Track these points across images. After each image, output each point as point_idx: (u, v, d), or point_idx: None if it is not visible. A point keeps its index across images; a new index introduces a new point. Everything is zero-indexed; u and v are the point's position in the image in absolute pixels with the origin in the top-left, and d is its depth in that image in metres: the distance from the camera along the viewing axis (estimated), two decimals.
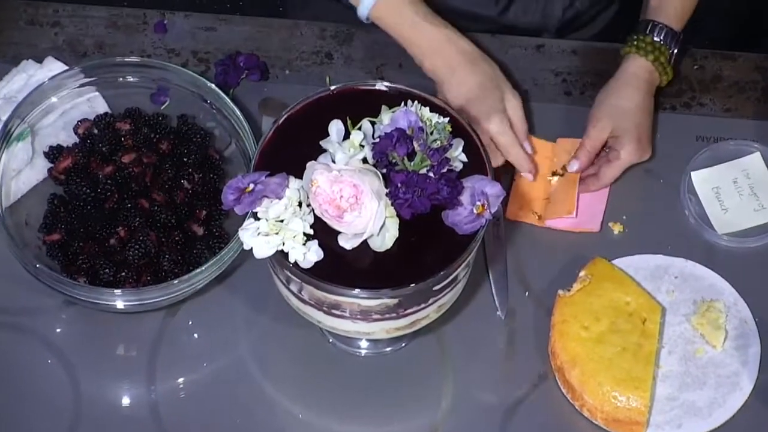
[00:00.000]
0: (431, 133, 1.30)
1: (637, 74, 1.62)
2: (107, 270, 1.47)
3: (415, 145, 1.29)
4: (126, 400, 1.48)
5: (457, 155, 1.34)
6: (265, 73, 1.70)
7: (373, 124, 1.34)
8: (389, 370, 1.50)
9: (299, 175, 1.31)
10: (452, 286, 1.36)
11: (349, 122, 1.34)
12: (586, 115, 1.66)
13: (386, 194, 1.29)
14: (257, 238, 1.29)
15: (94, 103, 1.61)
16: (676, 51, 1.63)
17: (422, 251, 1.31)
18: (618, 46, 1.72)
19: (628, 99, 1.61)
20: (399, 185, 1.28)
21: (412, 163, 1.29)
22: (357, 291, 1.28)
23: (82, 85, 1.59)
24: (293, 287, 1.35)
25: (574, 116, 1.67)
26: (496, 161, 1.57)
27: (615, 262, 1.54)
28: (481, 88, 1.57)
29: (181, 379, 1.49)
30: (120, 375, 1.49)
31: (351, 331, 1.37)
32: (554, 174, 1.61)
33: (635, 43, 1.63)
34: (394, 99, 1.37)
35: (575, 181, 1.59)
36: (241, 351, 1.50)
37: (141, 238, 1.48)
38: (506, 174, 1.61)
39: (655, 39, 1.62)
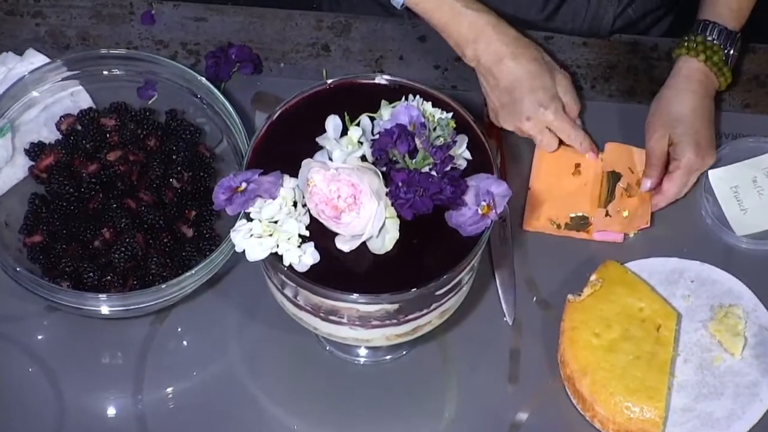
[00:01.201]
0: (434, 130, 1.30)
1: (689, 77, 1.61)
2: (91, 274, 1.47)
3: (417, 141, 1.29)
4: (112, 411, 1.48)
5: (461, 152, 1.34)
6: (258, 65, 1.71)
7: (372, 119, 1.34)
8: (389, 380, 1.50)
9: (294, 174, 1.31)
10: (456, 291, 1.36)
11: (347, 118, 1.34)
12: (597, 110, 1.67)
13: (386, 194, 1.29)
14: (250, 240, 1.29)
15: (77, 98, 1.61)
16: (733, 51, 1.63)
17: (424, 254, 1.31)
18: (628, 39, 1.73)
19: (682, 104, 1.60)
20: (400, 184, 1.28)
21: (413, 161, 1.29)
22: (355, 296, 1.28)
23: (65, 79, 1.59)
24: (288, 292, 1.35)
25: (584, 111, 1.67)
26: (552, 146, 1.61)
27: (628, 265, 1.54)
28: (532, 76, 1.58)
29: (169, 389, 1.49)
30: (105, 385, 1.49)
31: (349, 339, 1.37)
32: (629, 188, 1.60)
33: (686, 43, 1.62)
34: (394, 93, 1.37)
35: (648, 195, 1.60)
36: (232, 359, 1.50)
37: (127, 240, 1.48)
38: (520, 180, 1.62)
39: (708, 38, 1.62)
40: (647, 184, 1.59)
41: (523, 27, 1.70)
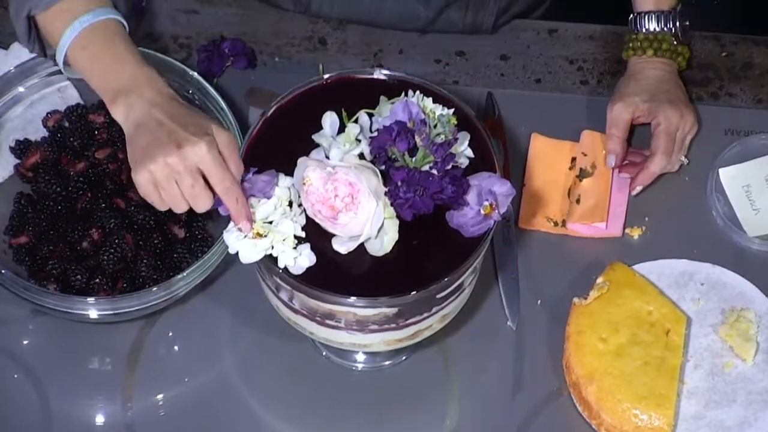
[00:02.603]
0: (434, 127, 1.30)
1: (647, 64, 1.64)
2: (79, 276, 1.47)
3: (417, 139, 1.29)
4: (100, 419, 1.48)
5: (463, 150, 1.34)
6: (252, 60, 1.70)
7: (370, 116, 1.34)
8: (388, 386, 1.50)
9: (290, 173, 1.31)
10: (457, 294, 1.36)
11: (344, 114, 1.34)
12: (604, 106, 1.66)
13: (385, 193, 1.29)
14: (243, 241, 1.29)
15: (65, 93, 1.61)
16: (679, 23, 1.64)
17: (424, 256, 1.31)
18: None
19: (646, 78, 1.63)
20: (399, 183, 1.28)
21: (413, 159, 1.29)
22: (353, 299, 1.28)
23: (51, 74, 1.59)
24: (283, 295, 1.35)
25: (591, 108, 1.67)
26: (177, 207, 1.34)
27: (636, 267, 1.54)
28: (190, 113, 1.35)
29: (160, 396, 1.49)
30: (93, 391, 1.49)
31: (346, 344, 1.37)
32: (582, 172, 1.61)
33: (630, 44, 1.66)
34: (393, 89, 1.37)
35: (607, 185, 1.60)
36: (225, 365, 1.50)
37: (116, 241, 1.48)
38: (515, 177, 1.62)
39: (647, 30, 1.64)
40: (611, 159, 1.60)
41: (405, 30, 1.72)
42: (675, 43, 1.64)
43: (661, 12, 1.65)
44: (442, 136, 1.30)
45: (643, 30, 1.65)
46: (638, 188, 1.60)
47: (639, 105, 1.60)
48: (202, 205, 1.32)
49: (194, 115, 1.35)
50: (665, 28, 1.64)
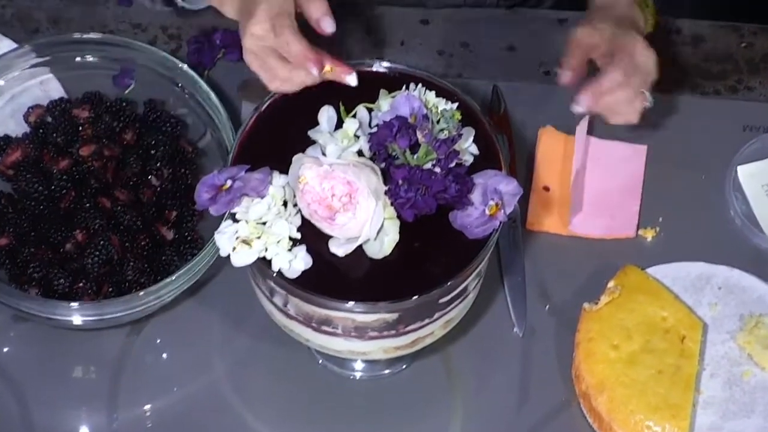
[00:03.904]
0: (437, 122, 1.30)
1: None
2: (62, 280, 1.47)
3: (419, 135, 1.29)
4: (84, 431, 1.47)
5: (467, 147, 1.34)
6: None
7: (370, 111, 1.34)
8: (388, 396, 1.50)
9: (284, 171, 1.31)
10: (461, 299, 1.36)
11: (342, 109, 1.34)
12: None
13: (385, 192, 1.28)
14: (236, 242, 1.28)
15: (47, 87, 1.61)
16: None
17: (426, 258, 1.31)
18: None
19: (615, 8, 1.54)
20: (400, 182, 1.28)
21: (415, 157, 1.29)
22: (351, 304, 1.28)
23: (33, 66, 1.59)
24: (277, 300, 1.35)
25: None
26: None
27: (649, 270, 1.54)
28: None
29: (147, 407, 1.48)
30: (77, 401, 1.49)
31: (344, 351, 1.37)
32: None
33: None
34: (394, 82, 1.37)
35: (566, 177, 1.60)
36: (216, 374, 1.50)
37: (101, 242, 1.48)
38: (523, 176, 1.62)
39: None
40: (565, 75, 1.50)
41: (405, 6, 1.72)
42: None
43: None
44: (446, 132, 1.30)
45: None
46: (582, 99, 1.47)
47: (605, 31, 1.51)
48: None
49: None
50: None
